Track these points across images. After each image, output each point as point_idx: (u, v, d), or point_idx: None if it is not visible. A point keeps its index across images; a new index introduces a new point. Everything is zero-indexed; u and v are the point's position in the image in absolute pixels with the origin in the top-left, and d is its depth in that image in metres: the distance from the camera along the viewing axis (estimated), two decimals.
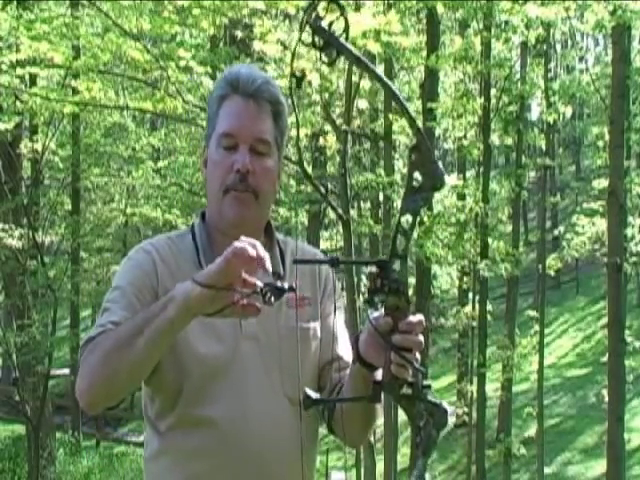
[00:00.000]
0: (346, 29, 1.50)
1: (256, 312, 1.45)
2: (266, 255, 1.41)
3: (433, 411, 1.47)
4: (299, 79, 1.60)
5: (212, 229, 1.81)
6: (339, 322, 1.85)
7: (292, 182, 15.32)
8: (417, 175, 1.50)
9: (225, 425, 1.69)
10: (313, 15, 1.49)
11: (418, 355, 1.50)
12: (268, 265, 1.41)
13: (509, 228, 18.16)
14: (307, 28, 1.49)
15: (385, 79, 1.57)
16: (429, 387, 1.49)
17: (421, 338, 1.50)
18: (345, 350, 1.82)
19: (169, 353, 1.64)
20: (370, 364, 1.59)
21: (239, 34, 9.91)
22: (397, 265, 1.48)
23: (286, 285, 1.43)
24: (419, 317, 1.50)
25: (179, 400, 1.71)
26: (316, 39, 1.50)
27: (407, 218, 1.50)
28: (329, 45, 1.50)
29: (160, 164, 17.10)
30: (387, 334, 1.50)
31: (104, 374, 1.54)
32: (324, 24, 1.49)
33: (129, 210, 16.58)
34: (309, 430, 1.79)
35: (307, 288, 1.82)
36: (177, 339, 1.60)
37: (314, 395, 1.50)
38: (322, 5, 1.50)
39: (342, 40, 1.50)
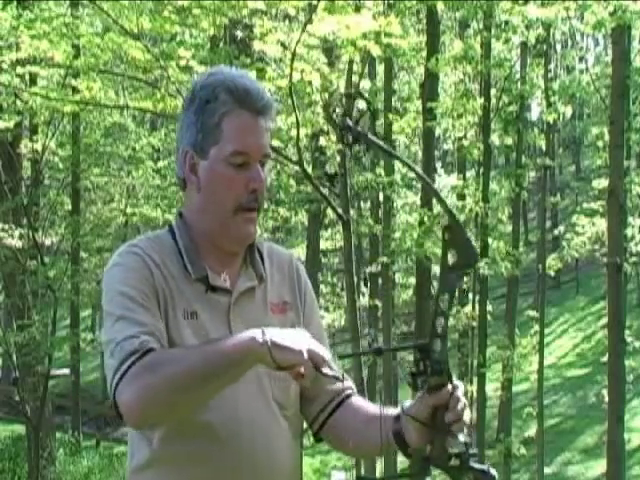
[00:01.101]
0: (372, 122, 1.54)
1: (306, 383, 1.56)
2: (330, 362, 1.56)
3: (481, 478, 1.54)
4: (332, 177, 1.66)
5: (196, 233, 1.78)
6: (322, 330, 1.90)
7: (292, 182, 15.32)
8: (451, 254, 1.55)
9: (221, 430, 1.69)
10: (338, 110, 1.55)
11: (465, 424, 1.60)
12: (328, 370, 1.55)
13: (509, 228, 18.14)
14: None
15: (419, 171, 1.62)
16: (475, 455, 1.56)
17: (468, 410, 1.61)
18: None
19: None
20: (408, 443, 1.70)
21: (239, 34, 9.91)
22: (437, 345, 1.54)
23: (332, 371, 1.56)
24: (461, 389, 1.60)
25: None
26: (344, 135, 1.55)
27: (445, 297, 1.55)
28: (357, 141, 1.55)
29: (160, 164, 17.12)
30: (431, 417, 1.59)
31: (166, 400, 1.56)
32: (350, 121, 1.55)
33: (129, 210, 16.58)
34: (295, 431, 1.83)
35: (287, 293, 1.85)
36: (170, 346, 1.65)
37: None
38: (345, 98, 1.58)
39: (370, 135, 1.56)
